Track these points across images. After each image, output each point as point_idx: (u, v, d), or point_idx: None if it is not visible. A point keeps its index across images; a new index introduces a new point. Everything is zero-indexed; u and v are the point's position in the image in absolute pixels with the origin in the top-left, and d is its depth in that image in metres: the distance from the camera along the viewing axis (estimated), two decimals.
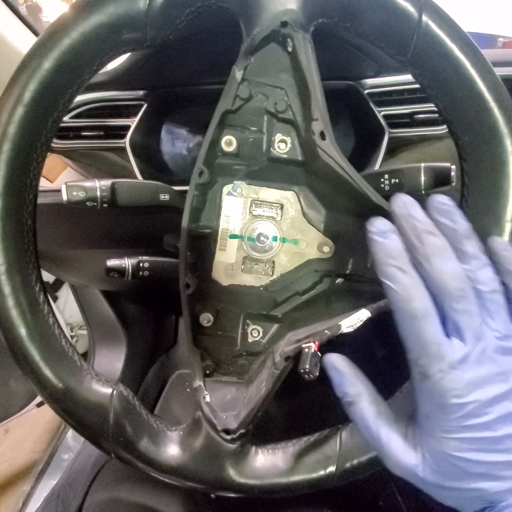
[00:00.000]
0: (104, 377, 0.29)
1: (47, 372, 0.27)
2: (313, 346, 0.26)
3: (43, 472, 0.87)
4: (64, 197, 0.30)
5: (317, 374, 0.25)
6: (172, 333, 1.01)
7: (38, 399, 0.77)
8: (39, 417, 1.01)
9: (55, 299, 0.87)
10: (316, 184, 0.31)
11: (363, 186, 0.27)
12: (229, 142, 0.30)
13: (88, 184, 0.31)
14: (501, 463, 0.20)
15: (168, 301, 0.89)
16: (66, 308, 0.92)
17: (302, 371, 0.26)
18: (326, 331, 0.26)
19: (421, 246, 0.20)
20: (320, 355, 0.26)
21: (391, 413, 0.23)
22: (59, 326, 0.28)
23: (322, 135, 0.27)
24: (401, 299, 0.20)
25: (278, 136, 0.30)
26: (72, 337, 0.92)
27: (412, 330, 0.20)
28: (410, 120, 0.46)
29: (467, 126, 0.25)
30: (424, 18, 0.24)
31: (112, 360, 0.84)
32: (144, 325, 0.91)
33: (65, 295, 0.90)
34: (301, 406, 0.69)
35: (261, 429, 0.29)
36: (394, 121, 0.46)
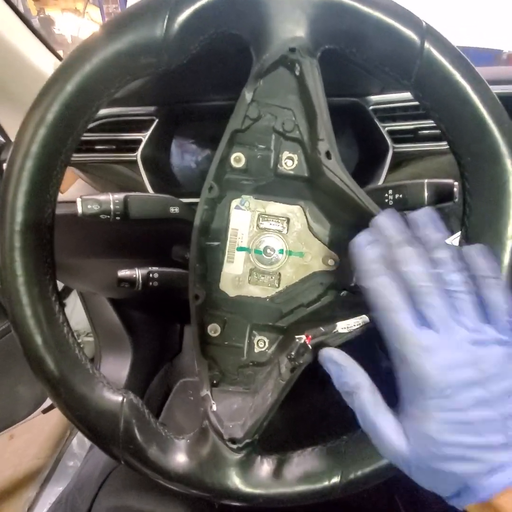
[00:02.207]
0: (115, 385, 0.30)
1: (61, 379, 0.28)
2: (304, 338, 0.28)
3: (48, 478, 0.88)
4: (79, 210, 0.31)
5: (301, 362, 0.28)
6: (177, 342, 1.01)
7: (45, 405, 0.78)
8: (43, 423, 1.01)
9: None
10: (321, 199, 0.32)
11: (366, 202, 0.28)
12: (238, 159, 0.31)
13: (102, 197, 0.32)
14: (474, 446, 0.21)
15: (173, 310, 0.90)
16: (73, 315, 0.93)
17: (288, 357, 0.28)
18: (321, 328, 0.28)
19: (393, 253, 0.23)
20: (310, 347, 0.28)
21: (384, 402, 0.24)
22: (73, 335, 0.29)
23: (328, 155, 0.28)
24: (376, 296, 0.23)
25: (285, 154, 0.31)
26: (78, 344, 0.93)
27: (388, 321, 0.22)
28: (414, 136, 0.47)
29: (469, 147, 0.26)
30: (426, 45, 0.25)
31: (118, 367, 0.84)
32: (149, 333, 0.91)
33: (73, 302, 0.91)
34: (302, 412, 0.69)
35: (264, 435, 0.30)
36: (398, 137, 0.47)
